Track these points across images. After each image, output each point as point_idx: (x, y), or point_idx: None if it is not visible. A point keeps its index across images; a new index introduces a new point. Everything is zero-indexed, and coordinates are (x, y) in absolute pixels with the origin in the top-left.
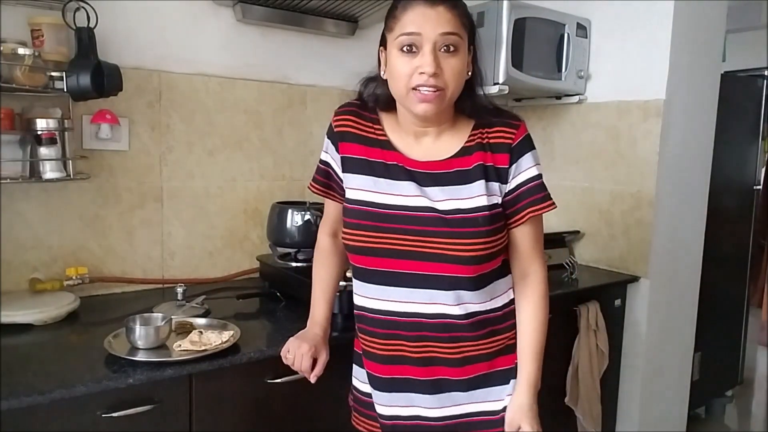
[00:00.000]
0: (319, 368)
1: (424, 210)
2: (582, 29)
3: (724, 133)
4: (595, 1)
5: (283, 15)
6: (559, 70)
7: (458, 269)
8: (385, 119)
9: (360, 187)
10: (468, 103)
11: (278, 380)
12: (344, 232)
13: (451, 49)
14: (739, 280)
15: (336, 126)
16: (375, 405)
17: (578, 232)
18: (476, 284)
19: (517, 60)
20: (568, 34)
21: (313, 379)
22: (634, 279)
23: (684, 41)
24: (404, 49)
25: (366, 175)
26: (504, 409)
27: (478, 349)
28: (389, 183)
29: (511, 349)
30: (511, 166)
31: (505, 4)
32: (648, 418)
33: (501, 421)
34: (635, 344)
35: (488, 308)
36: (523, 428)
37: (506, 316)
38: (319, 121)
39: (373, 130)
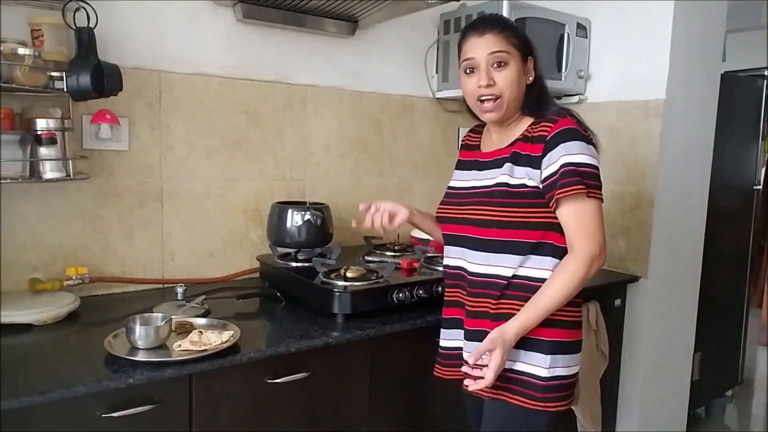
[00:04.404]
0: (394, 222)
1: (470, 188)
2: (582, 29)
3: (724, 133)
4: (595, 1)
5: (283, 15)
6: (559, 70)
7: (473, 230)
8: (487, 127)
9: (455, 178)
10: (530, 103)
11: (278, 380)
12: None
13: (502, 63)
14: (739, 280)
15: (462, 140)
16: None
17: None
18: (487, 246)
19: None
20: (568, 34)
21: (397, 221)
22: (634, 279)
23: (684, 41)
24: (467, 71)
25: (459, 169)
26: (524, 378)
27: (481, 306)
28: (463, 173)
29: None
30: (544, 155)
31: (505, 4)
32: (648, 418)
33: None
34: (635, 344)
35: (495, 273)
36: (493, 354)
37: (513, 287)
38: (319, 121)
39: (474, 140)
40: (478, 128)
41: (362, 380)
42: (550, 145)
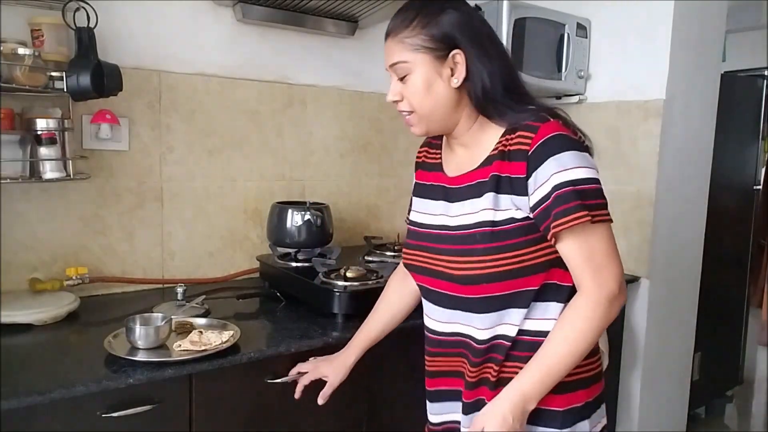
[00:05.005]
0: (325, 390)
1: (440, 228)
2: (582, 29)
3: (724, 133)
4: (595, 1)
5: (283, 15)
6: (559, 70)
7: (457, 288)
8: (446, 141)
9: (415, 209)
10: (485, 107)
11: (278, 380)
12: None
13: (403, 75)
14: (739, 280)
15: (416, 158)
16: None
17: None
18: (482, 307)
19: (517, 60)
20: (568, 34)
21: (319, 401)
22: (634, 279)
23: (684, 41)
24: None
25: (421, 197)
26: None
27: (482, 374)
28: (428, 203)
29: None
30: (529, 176)
31: (505, 4)
32: (648, 418)
33: None
34: (635, 344)
35: (499, 334)
36: (485, 429)
37: (519, 346)
38: (319, 121)
39: (434, 156)
40: (435, 140)
41: (362, 380)
42: (535, 161)
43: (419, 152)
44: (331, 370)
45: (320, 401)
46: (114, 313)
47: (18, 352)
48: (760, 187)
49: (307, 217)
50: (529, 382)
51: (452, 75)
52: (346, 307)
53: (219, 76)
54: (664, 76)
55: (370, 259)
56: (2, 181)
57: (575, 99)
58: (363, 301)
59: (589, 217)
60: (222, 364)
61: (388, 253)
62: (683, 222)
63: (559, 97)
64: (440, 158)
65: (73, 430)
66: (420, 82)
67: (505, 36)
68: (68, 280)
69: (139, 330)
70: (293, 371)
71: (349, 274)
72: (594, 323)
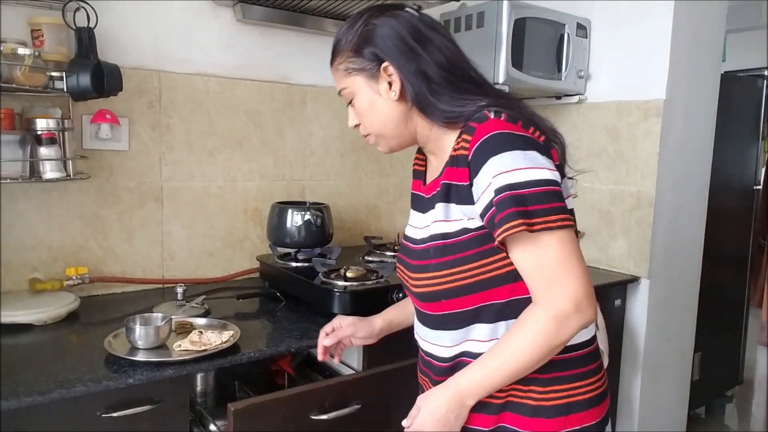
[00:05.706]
0: (354, 342)
1: (410, 241)
2: (582, 29)
3: (724, 133)
4: (595, 1)
5: (283, 15)
6: (559, 70)
7: (421, 305)
8: None
9: (409, 220)
10: (429, 112)
11: (324, 417)
12: None
13: (350, 100)
14: (739, 280)
15: (413, 165)
16: None
17: (578, 232)
18: (446, 324)
19: (517, 60)
20: (568, 34)
21: (335, 360)
22: (634, 279)
23: (684, 41)
24: None
25: (411, 207)
26: None
27: None
28: (412, 214)
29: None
30: (471, 184)
31: (505, 4)
32: (648, 418)
33: None
34: (635, 344)
35: (462, 351)
36: (421, 410)
37: None
38: (319, 121)
39: (422, 164)
40: None
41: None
42: (475, 165)
43: (414, 159)
44: (359, 327)
45: (336, 360)
46: (114, 313)
47: (18, 352)
48: (760, 187)
49: (307, 217)
50: (472, 378)
51: (390, 89)
52: (346, 307)
53: (219, 76)
54: (664, 76)
55: (370, 259)
56: (2, 181)
57: (575, 99)
58: (363, 301)
59: (525, 226)
60: (222, 364)
61: (388, 253)
62: (683, 222)
63: (559, 97)
64: (425, 166)
65: (73, 430)
66: (363, 104)
67: (504, 36)
68: (68, 280)
69: (139, 330)
70: (319, 342)
71: (349, 274)
72: (536, 347)
